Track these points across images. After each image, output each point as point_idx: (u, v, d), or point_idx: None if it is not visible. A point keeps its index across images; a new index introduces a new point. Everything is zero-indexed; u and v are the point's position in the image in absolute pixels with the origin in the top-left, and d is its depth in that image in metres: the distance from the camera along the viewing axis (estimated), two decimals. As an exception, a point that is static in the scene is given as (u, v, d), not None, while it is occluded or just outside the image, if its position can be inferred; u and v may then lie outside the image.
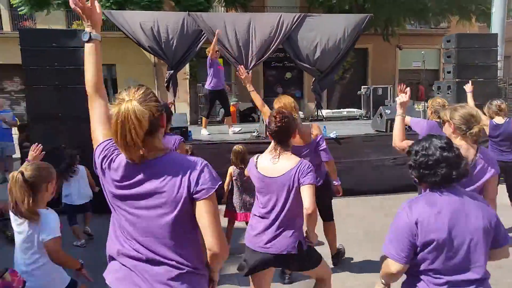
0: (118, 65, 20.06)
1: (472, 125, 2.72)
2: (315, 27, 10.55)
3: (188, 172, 1.59)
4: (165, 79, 10.43)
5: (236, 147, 4.90)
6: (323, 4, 15.25)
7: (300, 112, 12.55)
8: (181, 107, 17.55)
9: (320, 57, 10.57)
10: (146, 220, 1.61)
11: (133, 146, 1.53)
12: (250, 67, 10.39)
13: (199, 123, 14.38)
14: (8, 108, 12.20)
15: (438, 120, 4.31)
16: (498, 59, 8.28)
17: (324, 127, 7.33)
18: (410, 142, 2.85)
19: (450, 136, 2.80)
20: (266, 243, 2.71)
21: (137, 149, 1.54)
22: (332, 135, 7.10)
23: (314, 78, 10.91)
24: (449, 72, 7.78)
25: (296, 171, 2.65)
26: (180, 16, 10.01)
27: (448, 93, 7.76)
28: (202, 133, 8.11)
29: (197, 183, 1.58)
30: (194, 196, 1.58)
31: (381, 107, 7.85)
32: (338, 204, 5.94)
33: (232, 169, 4.84)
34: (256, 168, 2.78)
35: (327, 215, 4.36)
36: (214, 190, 1.61)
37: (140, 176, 1.61)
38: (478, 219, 1.86)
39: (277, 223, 2.71)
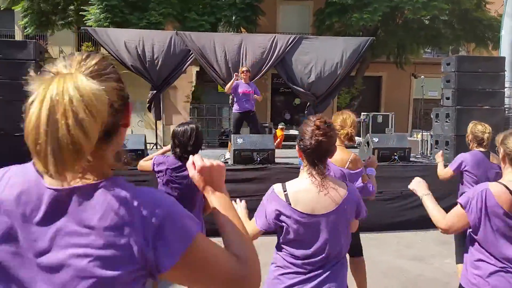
0: (128, 87, 19.86)
1: None
2: (311, 50, 9.94)
3: (143, 222, 0.87)
4: (147, 100, 9.88)
5: None
6: (331, 29, 14.64)
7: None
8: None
9: (315, 82, 9.90)
10: None
11: (72, 154, 0.78)
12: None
13: (202, 148, 13.80)
14: None
15: (482, 149, 3.83)
16: (507, 85, 7.36)
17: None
18: (455, 216, 2.13)
19: (502, 168, 2.20)
20: None
21: (78, 160, 0.80)
22: (309, 164, 6.29)
23: (308, 103, 10.21)
24: (448, 98, 6.91)
25: (351, 200, 1.97)
26: (167, 35, 9.57)
27: (446, 121, 6.88)
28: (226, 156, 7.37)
29: (156, 245, 0.87)
30: (154, 268, 0.87)
31: (368, 134, 7.02)
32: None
33: None
34: (290, 204, 1.90)
35: (356, 249, 3.65)
36: (186, 248, 0.89)
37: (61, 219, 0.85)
38: None
39: (327, 274, 1.93)
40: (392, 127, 9.96)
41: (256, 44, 9.74)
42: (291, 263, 1.95)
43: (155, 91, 9.63)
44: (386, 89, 20.19)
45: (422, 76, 8.62)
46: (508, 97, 7.62)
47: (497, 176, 2.85)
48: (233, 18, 14.13)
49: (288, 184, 1.98)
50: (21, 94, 0.86)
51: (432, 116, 7.32)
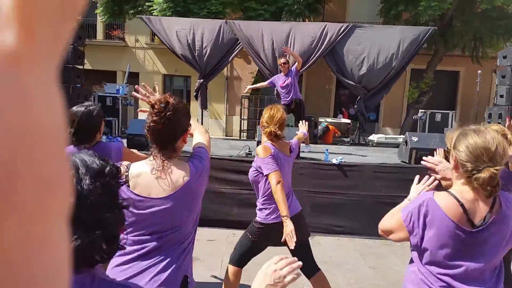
0: (193, 77, 20.48)
1: (483, 165, 1.63)
2: (365, 39, 9.42)
3: None
4: (195, 89, 10.03)
5: None
6: (398, 18, 13.71)
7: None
8: (235, 121, 17.64)
9: (366, 74, 9.39)
10: None
11: None
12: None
13: (256, 138, 13.82)
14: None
15: None
16: None
17: (327, 150, 6.22)
18: (394, 222, 1.90)
19: (452, 176, 1.84)
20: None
21: None
22: (335, 161, 5.96)
23: (358, 97, 9.70)
24: (501, 96, 6.14)
25: (194, 178, 1.84)
26: (217, 23, 9.63)
27: (499, 122, 6.11)
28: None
29: None
30: None
31: (407, 133, 6.46)
32: (327, 245, 5.33)
33: None
34: (128, 186, 1.81)
35: (310, 268, 3.04)
36: None
37: None
38: None
39: (163, 263, 1.84)
40: (452, 127, 9.09)
41: (305, 33, 9.44)
42: (130, 244, 1.86)
43: (202, 80, 9.74)
44: (464, 86, 18.55)
45: (479, 71, 7.75)
46: None
47: None
48: (295, 6, 13.82)
49: (133, 165, 1.89)
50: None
51: (485, 116, 6.56)
